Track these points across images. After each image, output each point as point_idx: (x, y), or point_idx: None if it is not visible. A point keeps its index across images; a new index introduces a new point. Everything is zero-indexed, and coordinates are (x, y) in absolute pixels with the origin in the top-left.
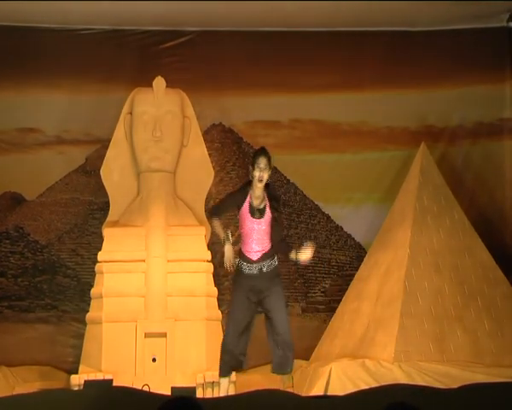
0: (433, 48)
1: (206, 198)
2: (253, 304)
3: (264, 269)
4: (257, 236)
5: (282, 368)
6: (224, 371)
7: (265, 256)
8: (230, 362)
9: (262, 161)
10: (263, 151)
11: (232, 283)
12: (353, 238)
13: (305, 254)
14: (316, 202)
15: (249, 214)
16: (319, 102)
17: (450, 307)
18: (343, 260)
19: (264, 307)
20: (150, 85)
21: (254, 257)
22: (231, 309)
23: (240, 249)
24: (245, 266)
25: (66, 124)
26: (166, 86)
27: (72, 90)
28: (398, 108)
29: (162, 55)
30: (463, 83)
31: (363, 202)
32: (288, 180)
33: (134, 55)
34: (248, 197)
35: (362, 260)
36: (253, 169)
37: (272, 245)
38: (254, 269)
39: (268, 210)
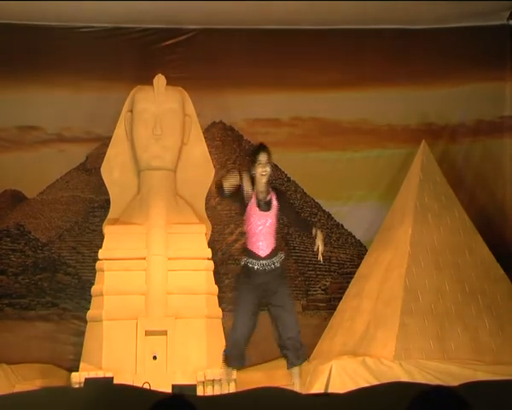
0: (433, 46)
1: (207, 196)
2: (257, 303)
3: (274, 265)
4: (264, 231)
5: (295, 362)
6: (233, 363)
7: (273, 253)
8: (238, 356)
9: (263, 157)
10: (262, 147)
11: (236, 281)
12: (354, 236)
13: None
14: (316, 200)
15: (257, 208)
16: (320, 99)
17: (451, 304)
18: (344, 258)
19: (273, 305)
20: (151, 83)
21: (263, 254)
22: (239, 306)
23: (246, 248)
24: (253, 262)
25: (67, 122)
26: (167, 84)
27: (72, 88)
28: (398, 105)
29: (162, 52)
30: (464, 81)
31: (364, 199)
32: (289, 178)
33: (134, 53)
34: (254, 194)
35: (362, 258)
36: (254, 166)
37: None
38: (264, 265)
39: (274, 202)
